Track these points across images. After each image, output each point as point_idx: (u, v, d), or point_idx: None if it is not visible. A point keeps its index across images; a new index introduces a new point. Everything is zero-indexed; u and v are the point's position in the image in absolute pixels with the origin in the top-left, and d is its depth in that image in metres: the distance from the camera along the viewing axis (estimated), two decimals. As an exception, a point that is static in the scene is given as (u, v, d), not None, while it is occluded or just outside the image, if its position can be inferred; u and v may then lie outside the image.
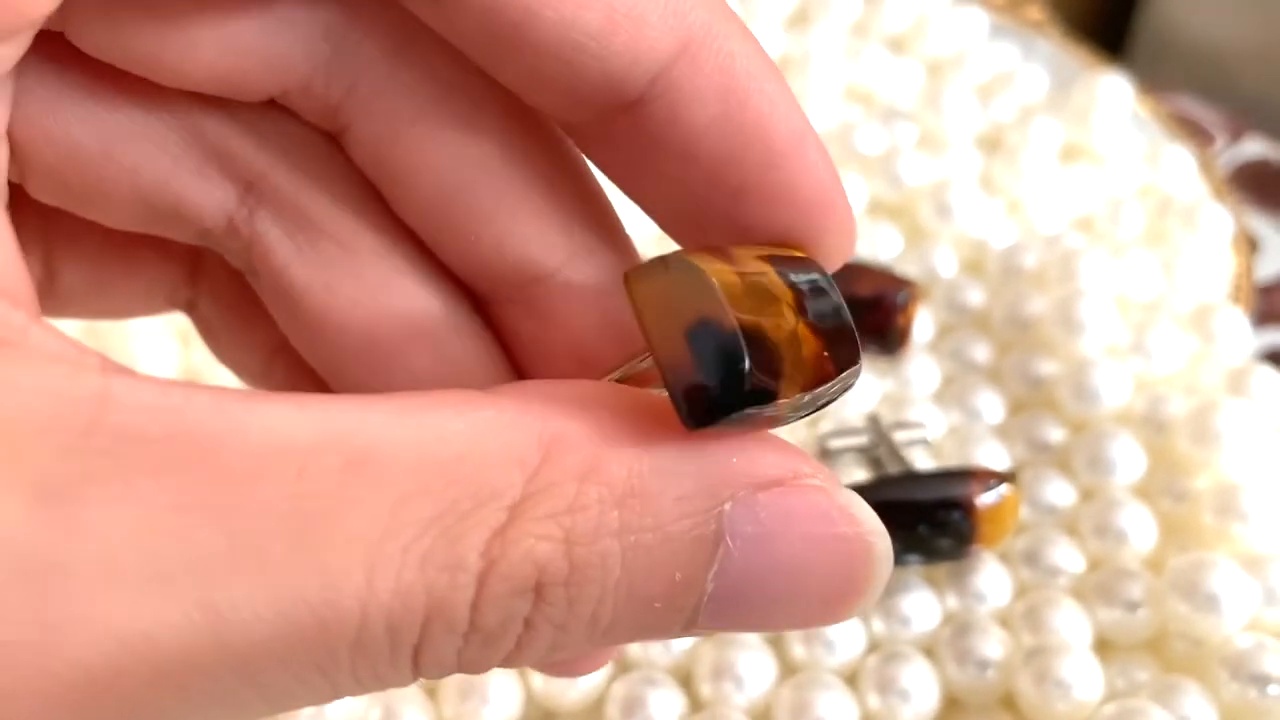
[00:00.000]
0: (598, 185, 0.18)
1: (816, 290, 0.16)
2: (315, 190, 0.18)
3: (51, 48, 0.16)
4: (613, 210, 0.18)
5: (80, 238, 0.19)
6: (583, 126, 0.17)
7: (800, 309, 0.15)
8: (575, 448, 0.14)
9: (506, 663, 0.14)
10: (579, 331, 0.18)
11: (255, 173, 0.18)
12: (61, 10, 0.15)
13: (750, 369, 0.14)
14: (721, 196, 0.16)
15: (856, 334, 0.16)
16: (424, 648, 0.13)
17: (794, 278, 0.16)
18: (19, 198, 0.18)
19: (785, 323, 0.15)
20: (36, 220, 0.19)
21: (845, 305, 0.16)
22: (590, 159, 0.18)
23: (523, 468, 0.13)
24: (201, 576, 0.12)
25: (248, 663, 0.13)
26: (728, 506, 0.14)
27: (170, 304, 0.21)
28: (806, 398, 0.15)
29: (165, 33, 0.16)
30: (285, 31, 0.16)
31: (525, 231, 0.17)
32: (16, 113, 0.16)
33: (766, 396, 0.14)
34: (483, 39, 0.15)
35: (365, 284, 0.18)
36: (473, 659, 0.14)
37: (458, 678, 0.26)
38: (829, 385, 0.15)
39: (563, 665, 0.19)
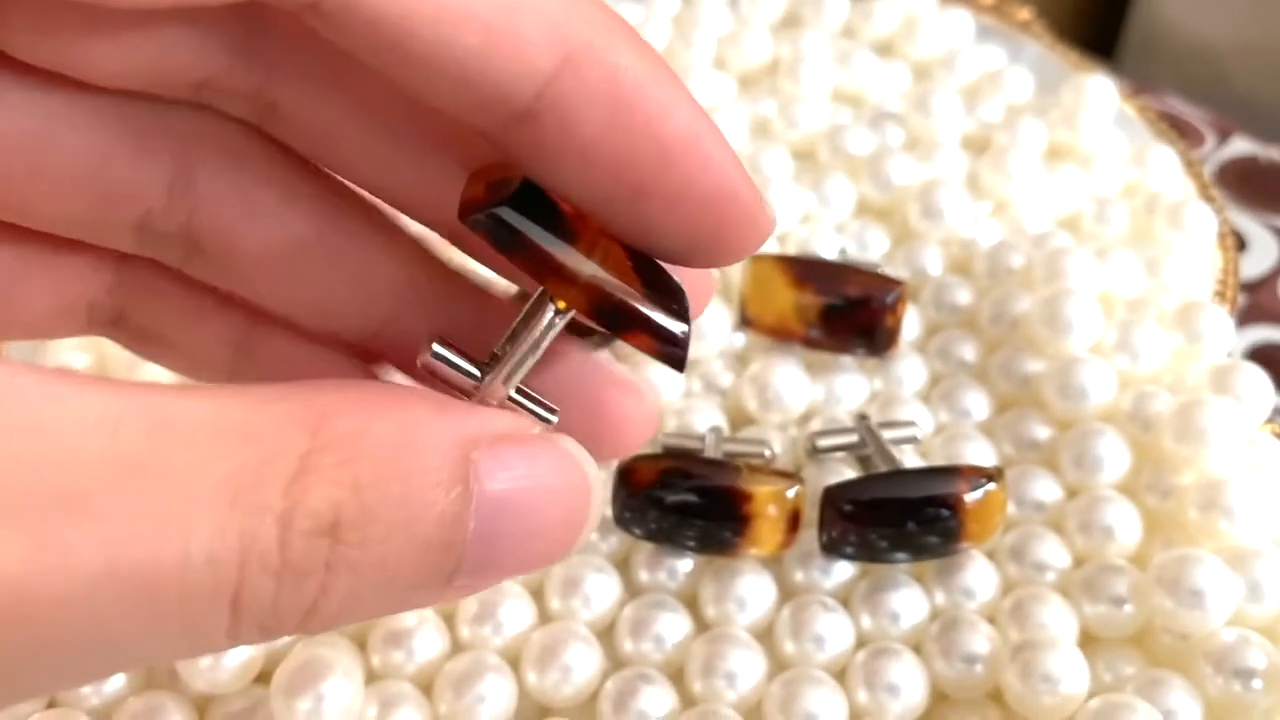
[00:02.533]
0: None
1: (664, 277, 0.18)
2: (248, 153, 0.20)
3: None
4: None
5: None
6: (494, 132, 0.18)
7: (629, 254, 0.18)
8: (347, 414, 0.16)
9: (312, 614, 0.15)
10: None
11: (190, 142, 0.20)
12: None
13: (525, 187, 0.17)
14: (624, 199, 0.17)
15: (685, 296, 0.18)
16: (242, 591, 0.15)
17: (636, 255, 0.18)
18: None
19: (594, 236, 0.17)
20: None
21: (685, 296, 0.18)
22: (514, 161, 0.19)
23: (305, 428, 0.15)
24: (36, 516, 0.13)
25: (85, 600, 0.14)
26: (475, 455, 0.16)
27: (91, 321, 0.22)
28: (597, 287, 0.17)
29: (86, 41, 0.17)
30: (202, 29, 0.18)
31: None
32: None
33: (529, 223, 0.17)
34: (375, 56, 0.17)
35: (313, 219, 0.21)
36: (286, 603, 0.15)
37: (454, 674, 0.26)
38: (623, 293, 0.17)
39: None
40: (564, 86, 0.17)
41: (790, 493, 0.27)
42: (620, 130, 0.17)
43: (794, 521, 0.28)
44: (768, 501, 0.27)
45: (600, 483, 0.18)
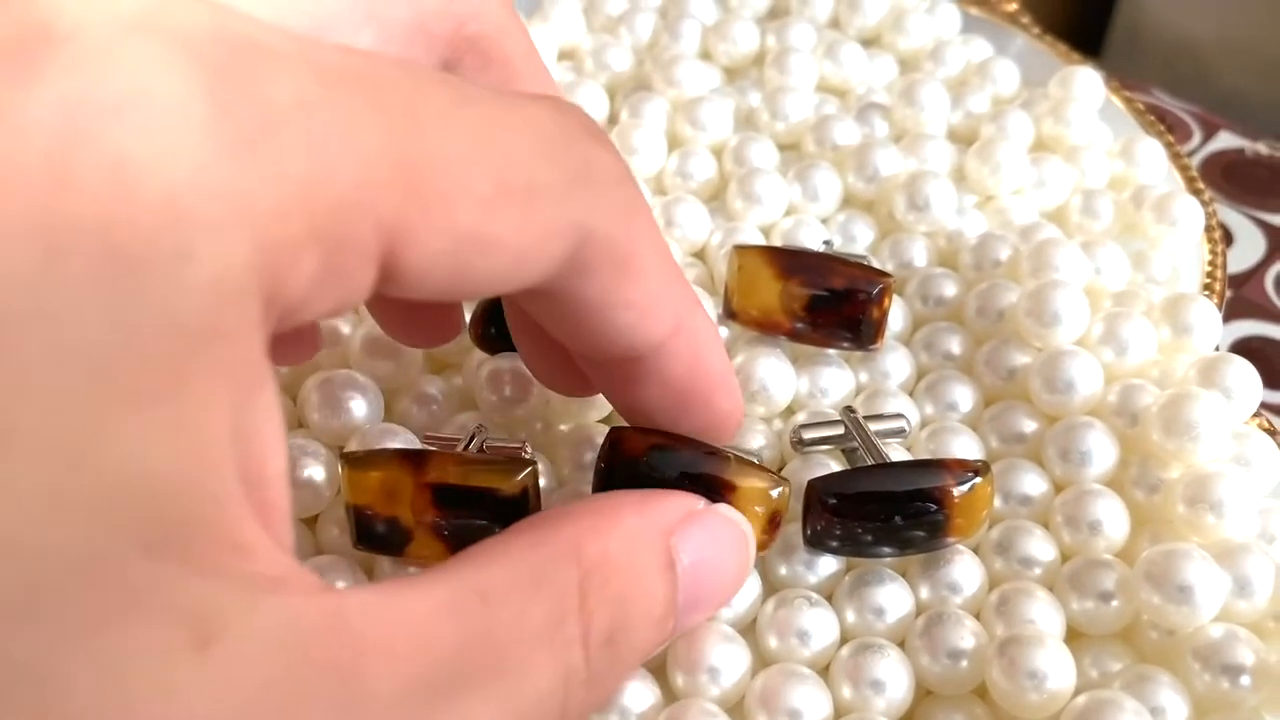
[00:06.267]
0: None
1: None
2: None
3: None
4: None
5: None
6: (602, 366, 0.25)
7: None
8: (588, 540, 0.21)
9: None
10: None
11: None
12: None
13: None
14: (674, 410, 0.25)
15: None
16: (568, 706, 0.19)
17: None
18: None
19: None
20: None
21: None
22: (597, 383, 0.26)
23: (570, 561, 0.20)
24: (443, 700, 0.17)
25: None
26: (672, 541, 0.22)
27: None
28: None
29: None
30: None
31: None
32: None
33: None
34: (558, 323, 0.23)
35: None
36: (591, 704, 0.20)
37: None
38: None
39: None
40: (669, 345, 0.24)
41: (774, 492, 0.27)
42: (690, 374, 0.24)
43: (773, 524, 0.27)
44: (752, 499, 0.27)
45: (751, 531, 0.25)
